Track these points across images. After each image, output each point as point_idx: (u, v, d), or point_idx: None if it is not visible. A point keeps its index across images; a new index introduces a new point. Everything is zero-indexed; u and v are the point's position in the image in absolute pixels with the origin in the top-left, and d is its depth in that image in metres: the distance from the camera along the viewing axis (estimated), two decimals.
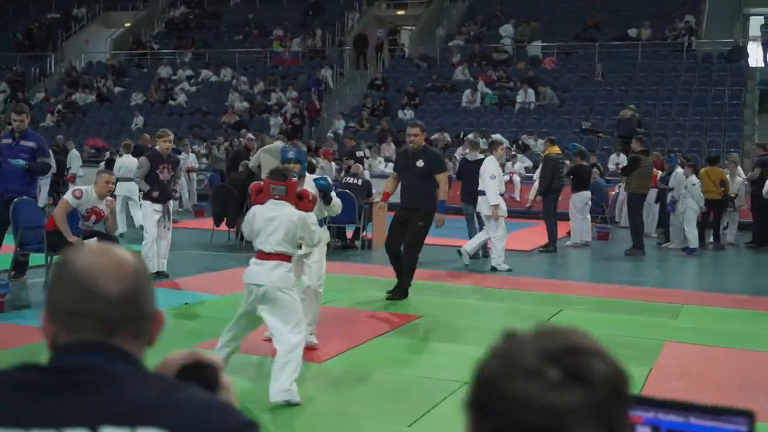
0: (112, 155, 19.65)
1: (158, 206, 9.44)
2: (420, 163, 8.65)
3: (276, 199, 5.18)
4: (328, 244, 7.00)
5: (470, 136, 16.91)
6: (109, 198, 8.39)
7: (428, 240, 14.07)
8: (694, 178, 13.54)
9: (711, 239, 14.56)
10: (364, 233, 12.90)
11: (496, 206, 10.83)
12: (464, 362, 5.86)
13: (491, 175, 10.94)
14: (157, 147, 9.78)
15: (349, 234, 13.10)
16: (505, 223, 11.14)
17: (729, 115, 22.41)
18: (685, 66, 24.90)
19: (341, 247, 12.89)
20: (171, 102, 27.82)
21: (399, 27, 30.06)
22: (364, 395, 5.39)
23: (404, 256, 8.68)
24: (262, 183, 5.48)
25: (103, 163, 19.79)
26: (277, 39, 30.11)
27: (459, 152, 21.45)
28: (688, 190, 13.49)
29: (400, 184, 8.93)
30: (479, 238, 11.40)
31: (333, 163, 19.92)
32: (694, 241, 13.54)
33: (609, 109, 23.60)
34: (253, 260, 5.24)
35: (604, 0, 27.77)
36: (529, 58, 26.39)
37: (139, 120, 26.62)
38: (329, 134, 23.78)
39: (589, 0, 28.03)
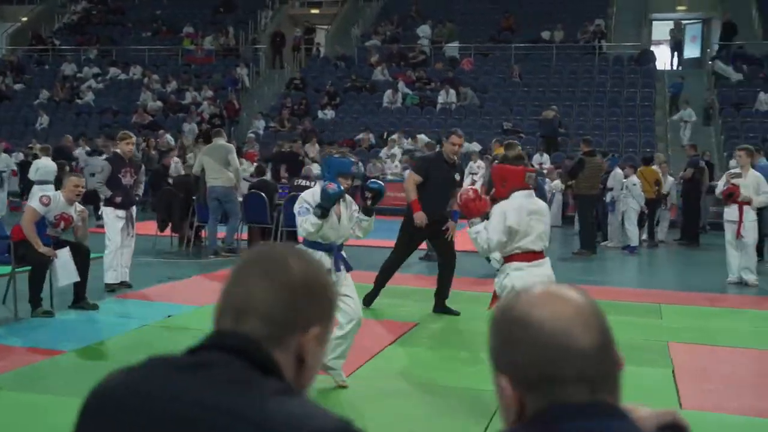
0: (27, 157, 18.60)
1: (121, 212, 8.93)
2: (457, 177, 8.09)
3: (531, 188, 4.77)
4: None
5: (432, 141, 16.70)
6: (80, 206, 7.87)
7: (367, 242, 14.14)
8: (634, 179, 13.91)
9: (645, 237, 15.00)
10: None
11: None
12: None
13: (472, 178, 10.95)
14: (118, 150, 9.25)
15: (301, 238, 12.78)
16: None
17: (642, 116, 23.23)
18: (598, 68, 25.67)
19: None
20: (78, 101, 26.62)
21: (314, 26, 29.74)
22: (415, 412, 5.20)
23: (446, 264, 8.14)
24: (503, 169, 4.85)
25: (16, 166, 18.77)
26: (188, 36, 29.31)
27: (384, 153, 21.44)
28: (629, 190, 13.85)
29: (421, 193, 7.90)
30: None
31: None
32: (634, 240, 13.92)
33: (528, 110, 24.09)
34: (523, 264, 4.69)
35: (517, 3, 28.27)
36: (447, 59, 26.62)
37: (44, 119, 25.38)
38: (250, 134, 23.27)
39: (503, 2, 28.50)
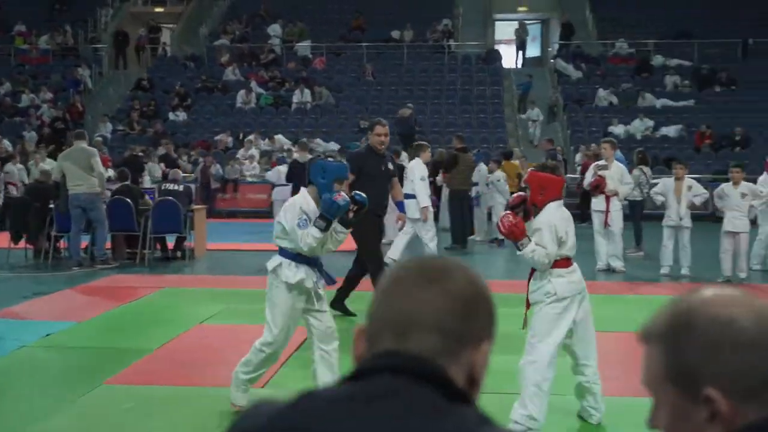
0: None
1: None
2: (391, 166, 7.86)
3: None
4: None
5: (304, 139, 16.39)
6: None
7: (243, 246, 13.79)
8: (499, 173, 14.27)
9: None
10: (187, 242, 12.12)
11: (426, 208, 10.73)
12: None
13: (420, 177, 10.86)
14: None
15: (170, 245, 12.25)
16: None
17: (493, 113, 23.98)
18: (448, 67, 26.27)
19: (163, 258, 12.02)
20: None
21: (159, 25, 28.68)
22: None
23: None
24: (544, 178, 4.79)
25: None
26: (20, 35, 27.51)
27: (241, 154, 20.97)
28: (494, 185, 14.20)
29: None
30: (401, 243, 11.12)
31: (111, 170, 18.53)
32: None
33: (383, 108, 24.24)
34: (563, 271, 4.73)
35: (366, 2, 28.44)
36: (299, 58, 26.42)
37: None
38: (97, 138, 22.08)
39: (352, 2, 28.59)
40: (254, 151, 21.10)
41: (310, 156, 12.09)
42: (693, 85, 24.45)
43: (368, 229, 7.51)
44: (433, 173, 17.95)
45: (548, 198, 4.78)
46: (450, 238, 13.75)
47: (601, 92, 23.93)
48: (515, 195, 5.19)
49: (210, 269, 11.51)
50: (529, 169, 5.21)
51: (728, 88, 24.23)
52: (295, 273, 4.83)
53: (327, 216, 4.75)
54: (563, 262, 4.77)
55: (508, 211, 4.82)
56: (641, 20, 27.01)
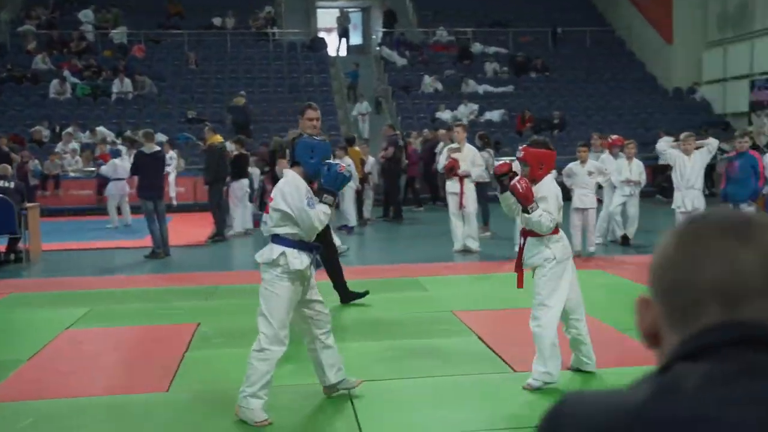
0: None
1: None
2: None
3: None
4: None
5: (148, 130, 15.28)
6: None
7: (81, 245, 12.87)
8: (348, 159, 14.21)
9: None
10: (22, 243, 11.14)
11: None
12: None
13: None
14: None
15: (2, 247, 11.21)
16: None
17: (323, 101, 23.86)
18: (273, 54, 25.87)
19: None
20: None
21: None
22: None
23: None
24: (542, 154, 5.11)
25: None
26: None
27: (60, 148, 19.62)
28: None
29: None
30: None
31: None
32: (352, 220, 14.28)
33: (209, 97, 23.58)
34: (557, 236, 5.09)
35: None
36: (115, 46, 25.06)
37: None
38: None
39: None
40: (75, 145, 19.80)
41: (157, 147, 11.43)
42: (511, 71, 25.56)
43: None
44: (270, 163, 17.67)
45: (547, 171, 5.14)
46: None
47: (427, 79, 24.49)
48: (502, 164, 5.26)
49: (51, 271, 10.64)
50: (521, 147, 5.27)
51: (543, 74, 25.56)
52: (301, 260, 4.53)
53: (333, 189, 4.59)
54: (555, 230, 5.10)
55: (520, 176, 5.02)
56: (460, 9, 27.86)
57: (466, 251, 11.32)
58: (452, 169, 11.24)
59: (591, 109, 24.10)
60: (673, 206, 10.01)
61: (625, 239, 11.64)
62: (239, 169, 13.88)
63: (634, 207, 11.67)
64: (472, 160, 11.40)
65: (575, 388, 4.98)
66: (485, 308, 7.47)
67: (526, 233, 5.21)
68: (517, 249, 10.78)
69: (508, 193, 5.10)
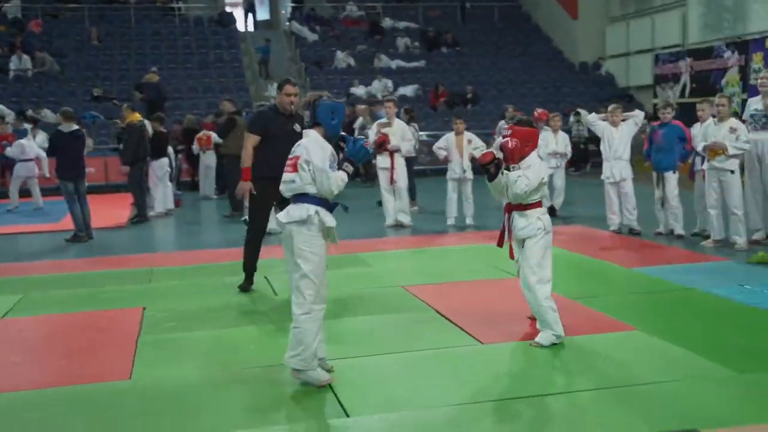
0: None
1: None
2: (297, 128, 6.89)
3: None
4: None
5: (67, 109, 14.49)
6: None
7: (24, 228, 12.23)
8: None
9: None
10: None
11: None
12: None
13: None
14: None
15: None
16: None
17: (234, 77, 23.40)
18: (180, 30, 25.14)
19: None
20: None
21: None
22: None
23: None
24: (529, 132, 5.36)
25: None
26: None
27: None
28: None
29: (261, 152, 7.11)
30: None
31: None
32: None
33: (115, 75, 22.76)
34: (542, 209, 5.40)
35: None
36: (9, 21, 23.85)
37: None
38: None
39: None
40: None
41: (76, 126, 10.91)
42: (422, 46, 25.62)
43: (261, 194, 7.12)
44: (185, 141, 17.19)
45: (533, 148, 5.35)
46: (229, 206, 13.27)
47: (339, 54, 24.29)
48: (486, 153, 5.34)
49: None
50: (506, 126, 5.53)
51: (454, 49, 25.72)
52: (331, 218, 4.58)
53: (354, 161, 4.65)
54: (540, 203, 5.38)
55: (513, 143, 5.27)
56: None
57: (398, 226, 11.33)
58: (382, 144, 11.19)
59: (502, 83, 24.43)
60: (602, 177, 10.26)
61: (552, 210, 11.87)
62: (159, 148, 13.45)
63: (560, 179, 11.92)
64: (402, 134, 11.38)
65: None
66: (432, 282, 7.48)
67: (511, 208, 5.40)
68: (449, 222, 11.08)
69: (497, 180, 5.30)
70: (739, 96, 17.03)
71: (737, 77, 17.16)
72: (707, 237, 9.26)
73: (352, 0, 27.12)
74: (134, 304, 6.91)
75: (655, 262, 8.14)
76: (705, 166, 8.93)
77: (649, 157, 9.86)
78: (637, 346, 5.24)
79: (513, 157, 5.23)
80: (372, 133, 11.46)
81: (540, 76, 24.77)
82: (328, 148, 4.60)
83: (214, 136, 15.80)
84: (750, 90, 16.41)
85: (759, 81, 9.00)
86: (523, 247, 5.34)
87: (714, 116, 8.96)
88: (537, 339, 5.30)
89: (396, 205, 11.41)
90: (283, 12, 27.76)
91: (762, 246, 8.65)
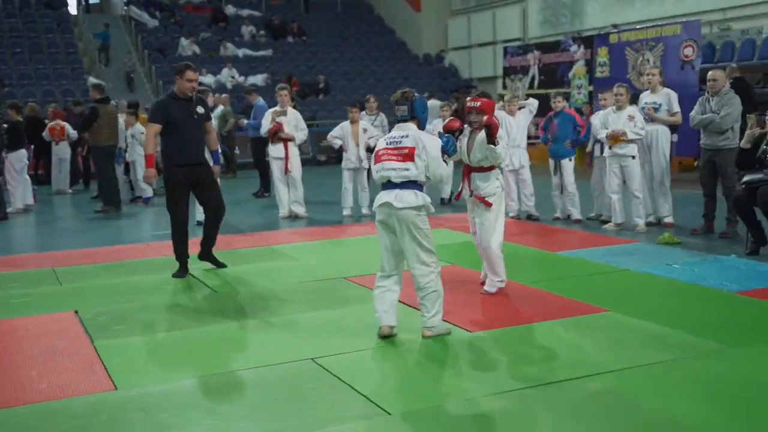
0: None
1: None
2: (201, 110, 7.35)
3: None
4: None
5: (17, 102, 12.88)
6: None
7: None
8: (139, 126, 13.18)
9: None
10: None
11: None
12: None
13: None
14: None
15: None
16: None
17: (70, 63, 21.91)
18: (4, 11, 23.20)
19: None
20: None
21: None
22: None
23: (216, 217, 7.57)
24: (491, 103, 6.06)
25: None
26: None
27: None
28: (136, 139, 13.12)
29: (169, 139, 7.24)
30: None
31: None
32: (149, 190, 13.31)
33: None
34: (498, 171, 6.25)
35: None
36: None
37: None
38: None
39: None
40: None
41: (18, 118, 9.79)
42: (268, 35, 25.18)
43: (176, 182, 7.22)
44: (29, 130, 15.90)
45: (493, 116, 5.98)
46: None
47: (184, 41, 23.39)
48: (453, 119, 5.68)
49: None
50: (468, 99, 6.17)
51: (300, 39, 25.47)
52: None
53: (448, 154, 5.18)
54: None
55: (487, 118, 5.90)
56: None
57: (292, 217, 11.07)
58: (276, 133, 10.88)
59: (351, 74, 24.49)
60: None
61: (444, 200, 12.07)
62: (16, 139, 12.35)
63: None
64: (296, 123, 11.12)
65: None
66: (370, 273, 7.35)
67: (471, 170, 6.20)
68: (344, 213, 10.95)
69: (460, 144, 6.08)
70: (587, 88, 18.00)
71: (584, 70, 18.07)
72: (604, 221, 9.74)
73: None
74: (62, 308, 6.30)
75: (574, 245, 8.44)
76: (606, 153, 9.36)
77: (546, 144, 10.23)
78: (622, 327, 5.37)
79: (493, 134, 5.83)
80: (266, 122, 11.10)
81: (386, 67, 25.06)
82: (438, 141, 5.14)
83: (68, 127, 14.77)
84: (595, 82, 17.40)
85: (647, 77, 9.57)
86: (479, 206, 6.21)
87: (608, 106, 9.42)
88: (485, 288, 6.30)
89: (291, 196, 11.14)
90: None
91: (657, 228, 9.20)
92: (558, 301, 6.11)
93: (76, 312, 6.17)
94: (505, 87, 20.45)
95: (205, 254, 7.70)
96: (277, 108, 11.07)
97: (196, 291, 6.91)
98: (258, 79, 22.68)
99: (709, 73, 8.73)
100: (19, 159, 12.41)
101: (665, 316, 5.58)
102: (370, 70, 24.79)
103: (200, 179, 7.33)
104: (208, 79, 21.80)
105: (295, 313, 6.01)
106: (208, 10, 25.50)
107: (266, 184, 13.74)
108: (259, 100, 14.11)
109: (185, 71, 7.15)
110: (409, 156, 5.02)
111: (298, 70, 23.55)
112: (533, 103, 10.51)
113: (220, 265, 7.69)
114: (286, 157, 10.96)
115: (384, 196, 5.09)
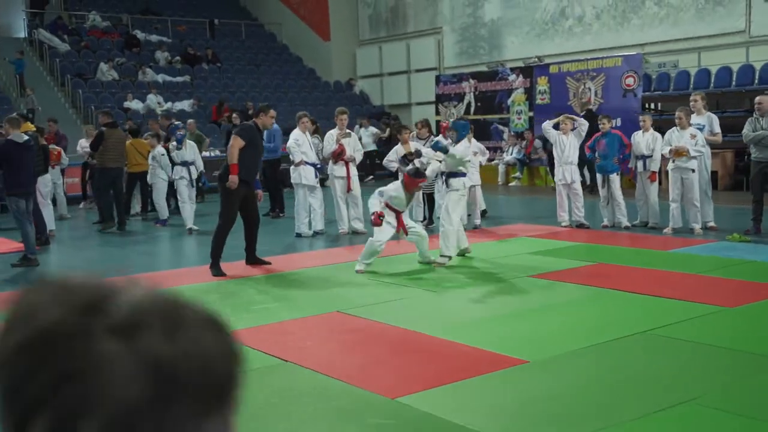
0: None
1: None
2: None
3: None
4: None
5: (16, 116, 12.04)
6: None
7: None
8: (161, 149, 13.14)
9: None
10: None
11: None
12: None
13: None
14: None
15: None
16: None
17: None
18: None
19: None
20: None
21: None
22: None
23: (256, 227, 9.03)
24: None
25: None
26: None
27: None
28: (157, 161, 13.06)
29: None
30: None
31: None
32: (164, 212, 13.24)
33: None
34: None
35: None
36: None
37: None
38: None
39: None
40: None
41: (26, 136, 9.42)
42: (183, 61, 24.96)
43: (237, 193, 8.54)
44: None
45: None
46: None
47: (103, 67, 22.77)
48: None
49: None
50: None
51: (215, 65, 25.45)
52: None
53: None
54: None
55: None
56: None
57: (354, 233, 11.56)
58: (340, 154, 11.39)
59: (269, 99, 24.69)
60: (555, 179, 11.60)
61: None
62: (43, 163, 11.94)
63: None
64: (355, 145, 11.70)
65: None
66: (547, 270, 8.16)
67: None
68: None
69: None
70: (526, 113, 19.59)
71: (523, 97, 19.63)
72: (652, 227, 11.07)
73: (95, 10, 25.47)
74: None
75: (675, 245, 9.63)
76: (670, 166, 10.70)
77: (593, 161, 11.45)
78: None
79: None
80: (329, 144, 11.58)
81: (303, 93, 25.58)
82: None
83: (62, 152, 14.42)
84: (536, 108, 19.00)
85: (691, 102, 11.09)
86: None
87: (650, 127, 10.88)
88: (437, 260, 8.74)
89: (351, 213, 11.64)
90: (24, 19, 24.99)
91: (716, 231, 10.56)
92: (737, 286, 7.21)
93: None
94: (438, 113, 21.69)
95: (251, 258, 9.04)
96: (340, 131, 11.58)
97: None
98: (185, 105, 22.54)
99: (757, 98, 10.37)
100: (44, 184, 12.01)
101: None
102: (289, 97, 25.20)
103: (249, 195, 8.75)
104: (135, 104, 21.43)
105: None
106: (116, 35, 24.90)
107: (280, 205, 13.99)
108: (175, 128, 14.43)
109: (269, 110, 9.08)
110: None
111: (219, 96, 23.55)
112: (584, 124, 11.54)
113: (265, 263, 9.05)
114: (348, 177, 11.48)
115: None
